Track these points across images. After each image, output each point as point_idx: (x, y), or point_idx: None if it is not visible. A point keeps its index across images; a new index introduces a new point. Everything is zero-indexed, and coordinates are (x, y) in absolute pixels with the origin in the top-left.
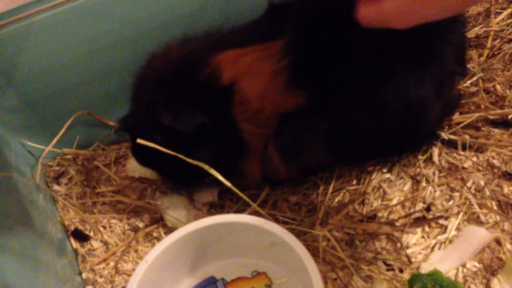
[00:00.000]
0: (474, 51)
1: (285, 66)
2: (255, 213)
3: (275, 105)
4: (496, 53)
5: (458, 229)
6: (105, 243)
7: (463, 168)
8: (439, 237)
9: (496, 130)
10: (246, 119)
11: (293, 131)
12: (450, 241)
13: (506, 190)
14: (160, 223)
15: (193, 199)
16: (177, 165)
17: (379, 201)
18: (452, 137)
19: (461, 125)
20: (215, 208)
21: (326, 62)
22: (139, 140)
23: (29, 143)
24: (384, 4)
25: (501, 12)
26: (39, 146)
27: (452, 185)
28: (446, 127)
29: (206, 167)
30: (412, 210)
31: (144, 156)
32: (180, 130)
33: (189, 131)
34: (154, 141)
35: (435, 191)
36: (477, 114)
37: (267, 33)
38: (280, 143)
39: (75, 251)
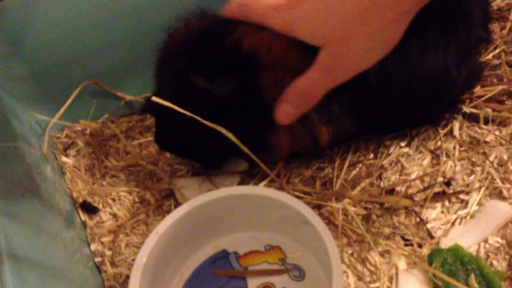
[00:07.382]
0: (496, 24)
1: None
2: (271, 186)
3: (296, 73)
4: None
5: (479, 204)
6: (114, 215)
7: (485, 142)
8: (459, 212)
9: None
10: (272, 85)
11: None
12: (472, 216)
13: None
14: (172, 198)
15: (212, 182)
16: (201, 144)
17: (397, 176)
18: (474, 110)
19: (483, 98)
20: None
21: None
22: (154, 98)
23: (36, 113)
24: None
25: None
26: (46, 118)
27: (474, 159)
28: (468, 100)
29: (223, 131)
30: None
31: (166, 140)
32: (216, 94)
33: (225, 94)
34: (180, 119)
35: (455, 166)
36: (500, 87)
37: None
38: (321, 112)
39: (84, 223)
